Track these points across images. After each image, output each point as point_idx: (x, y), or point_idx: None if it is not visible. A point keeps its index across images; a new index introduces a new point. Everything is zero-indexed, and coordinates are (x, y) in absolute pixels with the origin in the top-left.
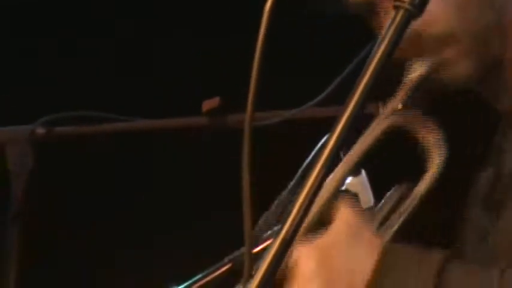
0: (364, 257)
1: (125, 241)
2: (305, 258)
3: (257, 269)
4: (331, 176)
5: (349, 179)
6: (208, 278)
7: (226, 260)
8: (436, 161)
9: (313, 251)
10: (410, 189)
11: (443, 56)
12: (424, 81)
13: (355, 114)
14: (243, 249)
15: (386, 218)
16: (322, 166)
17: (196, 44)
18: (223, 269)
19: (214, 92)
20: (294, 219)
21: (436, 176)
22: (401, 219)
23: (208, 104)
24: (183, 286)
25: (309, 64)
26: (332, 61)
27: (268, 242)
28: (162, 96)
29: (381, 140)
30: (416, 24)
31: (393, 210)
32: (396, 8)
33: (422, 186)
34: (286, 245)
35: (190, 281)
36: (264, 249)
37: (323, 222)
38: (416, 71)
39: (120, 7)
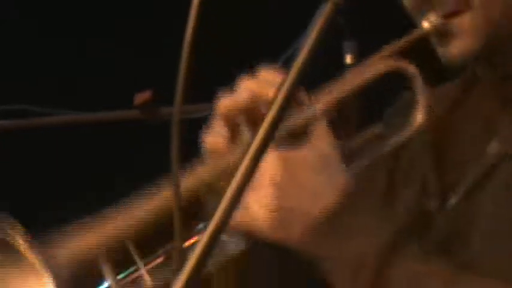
0: (327, 188)
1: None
2: (271, 163)
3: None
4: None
5: None
6: (141, 271)
7: (159, 252)
8: (420, 112)
9: (280, 160)
10: (387, 134)
11: (454, 23)
12: (427, 37)
13: (283, 109)
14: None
15: (355, 154)
16: (251, 159)
17: (127, 38)
18: (156, 261)
19: (146, 86)
20: (223, 212)
21: (418, 129)
22: (369, 159)
23: (140, 98)
24: (117, 278)
25: (238, 57)
26: (262, 55)
27: (199, 235)
28: (94, 90)
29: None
30: None
31: (364, 148)
32: (325, 1)
33: (402, 135)
34: (215, 238)
35: (123, 274)
36: (196, 242)
37: (296, 136)
38: (424, 25)
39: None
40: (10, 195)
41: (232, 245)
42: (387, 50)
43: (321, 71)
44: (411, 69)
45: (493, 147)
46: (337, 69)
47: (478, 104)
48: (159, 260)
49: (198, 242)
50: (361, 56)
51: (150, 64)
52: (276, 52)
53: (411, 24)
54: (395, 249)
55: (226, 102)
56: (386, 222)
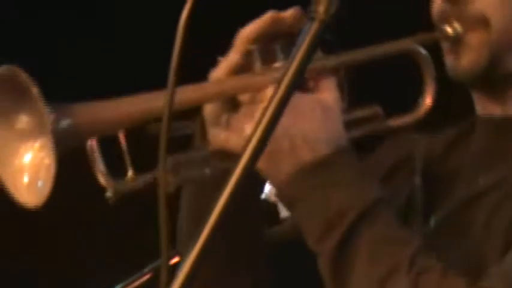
0: (323, 136)
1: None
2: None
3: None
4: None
5: (268, 188)
6: None
7: (145, 270)
8: (428, 96)
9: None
10: (383, 116)
11: (465, 38)
12: (443, 40)
13: (273, 123)
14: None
15: (348, 124)
16: (236, 181)
17: (116, 54)
18: (143, 279)
19: None
20: (210, 229)
21: (425, 112)
22: (359, 133)
23: None
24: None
25: None
26: None
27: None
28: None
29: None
30: None
31: (358, 121)
32: (311, 18)
33: (409, 117)
34: (203, 255)
35: None
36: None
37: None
38: (447, 29)
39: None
40: None
41: None
42: (406, 39)
43: None
44: (423, 52)
45: (486, 178)
46: None
47: (475, 143)
48: (146, 277)
49: (186, 259)
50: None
51: (137, 81)
52: None
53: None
54: (373, 213)
55: (246, 28)
56: (370, 187)
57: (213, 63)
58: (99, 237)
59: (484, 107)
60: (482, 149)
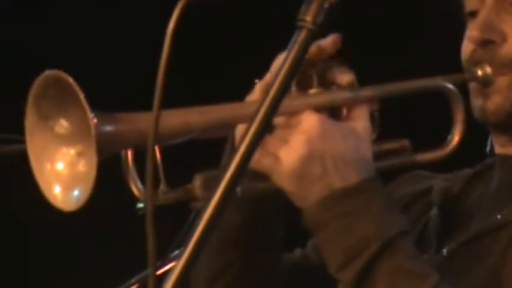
0: (353, 163)
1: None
2: (310, 122)
3: None
4: None
5: None
6: None
7: (132, 280)
8: (457, 133)
9: (319, 123)
10: (412, 150)
11: (495, 82)
12: (473, 81)
13: (262, 130)
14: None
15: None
16: (224, 188)
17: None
18: None
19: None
20: (196, 241)
21: (454, 148)
22: (387, 165)
23: None
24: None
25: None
26: (238, 81)
27: (173, 263)
28: None
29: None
30: (501, 33)
31: (386, 153)
32: (299, 28)
33: (438, 153)
34: (189, 267)
35: None
36: (169, 270)
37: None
38: (477, 71)
39: None
40: None
41: None
42: (437, 77)
43: None
44: (454, 90)
45: (504, 213)
46: None
47: (494, 181)
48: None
49: (173, 269)
50: None
51: (125, 92)
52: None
53: (385, 49)
54: (395, 245)
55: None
56: (396, 218)
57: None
58: (91, 246)
59: (504, 146)
60: (501, 186)
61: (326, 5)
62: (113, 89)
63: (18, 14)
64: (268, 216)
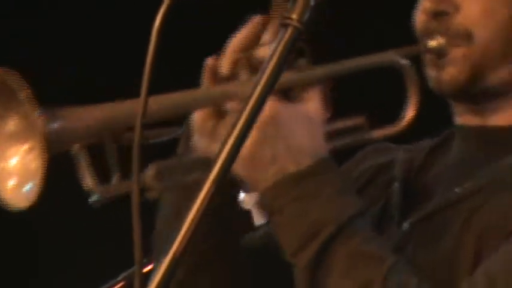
0: (306, 148)
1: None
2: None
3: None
4: None
5: (242, 195)
6: None
7: (120, 277)
8: (412, 108)
9: (271, 108)
10: (367, 126)
11: (448, 52)
12: (426, 53)
13: (249, 125)
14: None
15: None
16: (211, 185)
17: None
18: (117, 286)
19: None
20: (183, 238)
21: (408, 123)
22: (343, 143)
23: None
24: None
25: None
26: None
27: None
28: None
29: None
30: (454, 3)
31: (342, 132)
32: (284, 25)
33: (392, 128)
34: (176, 264)
35: None
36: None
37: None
38: (430, 43)
39: None
40: None
41: None
42: (390, 51)
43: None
44: (407, 65)
45: (462, 187)
46: None
47: (454, 152)
48: (119, 285)
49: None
50: None
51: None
52: None
53: (370, 48)
54: (350, 228)
55: (235, 37)
56: (350, 201)
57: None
58: (77, 244)
59: (463, 117)
60: (460, 159)
61: (312, 3)
62: (101, 82)
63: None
64: (225, 202)
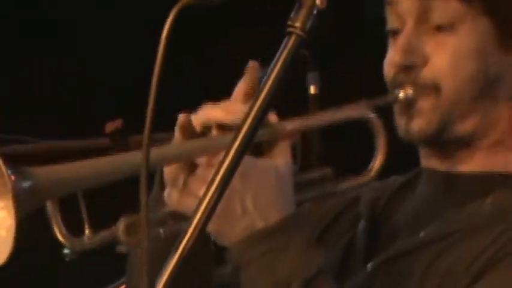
0: (275, 204)
1: None
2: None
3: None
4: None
5: None
6: None
7: (122, 279)
8: (379, 159)
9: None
10: (335, 178)
11: (416, 103)
12: (395, 104)
13: (253, 132)
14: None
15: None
16: (220, 181)
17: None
18: None
19: (117, 114)
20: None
21: (376, 173)
22: (310, 195)
23: (111, 126)
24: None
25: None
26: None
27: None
28: (67, 118)
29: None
30: (422, 56)
31: (309, 183)
32: (289, 33)
33: (360, 179)
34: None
35: None
36: None
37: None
38: (399, 94)
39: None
40: None
41: None
42: (362, 103)
43: (286, 100)
44: (375, 119)
45: (426, 233)
46: (301, 98)
47: (420, 194)
48: None
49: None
50: (324, 86)
51: (120, 94)
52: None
53: (367, 58)
54: (317, 282)
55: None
56: (317, 256)
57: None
58: None
59: (430, 161)
60: (425, 202)
61: (315, 12)
62: (108, 91)
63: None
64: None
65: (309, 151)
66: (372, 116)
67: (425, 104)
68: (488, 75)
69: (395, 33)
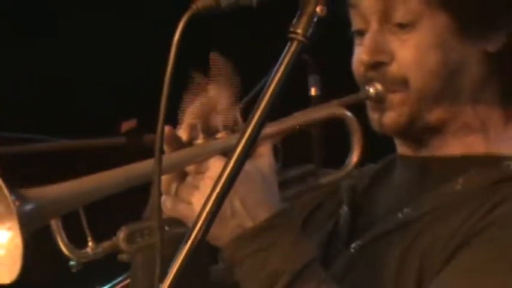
0: (261, 204)
1: None
2: (217, 168)
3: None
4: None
5: None
6: None
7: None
8: (355, 154)
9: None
10: (318, 173)
11: (387, 98)
12: (367, 100)
13: (256, 132)
14: None
15: (284, 183)
16: (227, 179)
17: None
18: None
19: (132, 114)
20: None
21: (353, 168)
22: (295, 191)
23: (126, 125)
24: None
25: None
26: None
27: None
28: (84, 118)
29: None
30: (389, 54)
31: (293, 180)
32: (291, 39)
33: (339, 173)
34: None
35: None
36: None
37: None
38: (369, 90)
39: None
40: None
41: None
42: (334, 102)
43: (288, 101)
44: (350, 117)
45: (404, 213)
46: (302, 99)
47: (396, 179)
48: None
49: None
50: (324, 88)
51: (134, 94)
52: (249, 84)
53: None
54: (306, 274)
55: (191, 106)
56: (304, 250)
57: None
58: None
59: (403, 148)
60: (402, 184)
61: (315, 19)
62: (119, 97)
63: None
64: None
65: (310, 154)
66: (346, 113)
67: (395, 98)
68: (451, 65)
69: (360, 33)
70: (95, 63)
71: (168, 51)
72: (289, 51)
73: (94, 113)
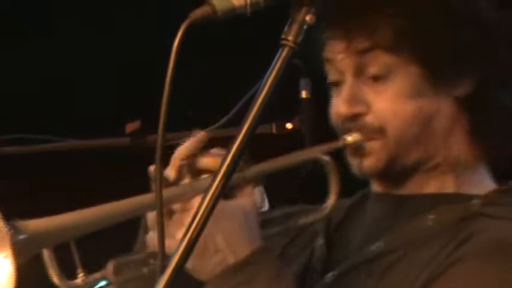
0: (244, 241)
1: None
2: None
3: None
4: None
5: None
6: None
7: None
8: (333, 196)
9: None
10: (298, 214)
11: (366, 146)
12: (346, 147)
13: (250, 133)
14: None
15: (267, 223)
16: (218, 184)
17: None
18: None
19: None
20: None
21: (331, 209)
22: (277, 230)
23: (130, 126)
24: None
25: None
26: (230, 92)
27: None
28: (89, 119)
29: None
30: (365, 104)
31: (275, 220)
32: (282, 45)
33: (317, 214)
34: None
35: None
36: None
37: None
38: (348, 139)
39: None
40: None
41: None
42: (314, 148)
43: (280, 104)
44: (329, 161)
45: (376, 246)
46: (293, 102)
47: (369, 213)
48: None
49: None
50: (315, 91)
51: (137, 97)
52: (242, 89)
53: None
54: None
55: (179, 148)
56: (283, 283)
57: None
58: None
59: (376, 185)
60: (375, 221)
61: (305, 26)
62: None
63: None
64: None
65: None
66: (326, 159)
67: (374, 145)
68: (425, 112)
69: (337, 84)
70: (95, 63)
71: (169, 54)
72: (281, 57)
73: (94, 113)
